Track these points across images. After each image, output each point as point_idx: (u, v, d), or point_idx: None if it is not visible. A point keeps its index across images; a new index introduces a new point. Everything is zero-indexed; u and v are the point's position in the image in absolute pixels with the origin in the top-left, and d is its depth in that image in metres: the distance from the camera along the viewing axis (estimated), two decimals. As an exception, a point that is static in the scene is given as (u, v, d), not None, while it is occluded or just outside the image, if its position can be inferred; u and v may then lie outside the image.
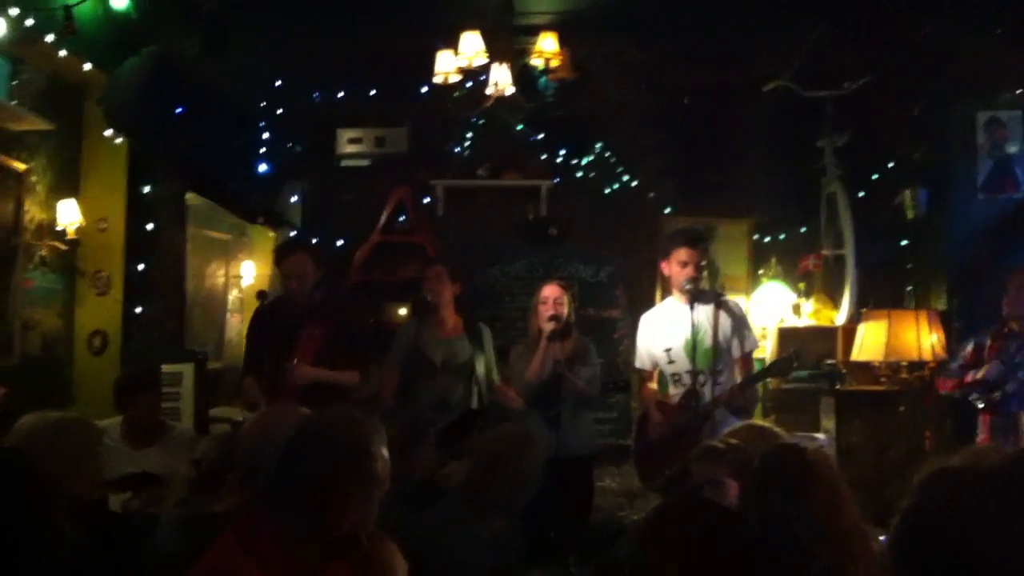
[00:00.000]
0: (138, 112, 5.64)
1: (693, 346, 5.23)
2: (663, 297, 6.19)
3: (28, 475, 2.37)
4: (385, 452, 2.46)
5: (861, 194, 6.83)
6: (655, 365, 5.58)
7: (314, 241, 7.11)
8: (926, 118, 6.81)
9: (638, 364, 5.67)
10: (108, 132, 6.04)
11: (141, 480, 4.63)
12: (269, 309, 5.67)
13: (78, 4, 5.36)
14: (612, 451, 6.58)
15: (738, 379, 5.41)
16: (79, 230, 6.07)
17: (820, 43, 6.67)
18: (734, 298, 5.97)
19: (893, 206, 6.83)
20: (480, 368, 5.73)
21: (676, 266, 5.36)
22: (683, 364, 5.33)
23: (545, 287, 5.66)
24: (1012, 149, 6.53)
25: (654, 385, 5.64)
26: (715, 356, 5.33)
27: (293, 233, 7.37)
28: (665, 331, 5.45)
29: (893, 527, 1.24)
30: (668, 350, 5.43)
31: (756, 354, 5.70)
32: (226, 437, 3.64)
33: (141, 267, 6.50)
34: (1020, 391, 5.38)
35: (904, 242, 6.95)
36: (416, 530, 3.56)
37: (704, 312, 5.37)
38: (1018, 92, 6.55)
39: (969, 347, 5.66)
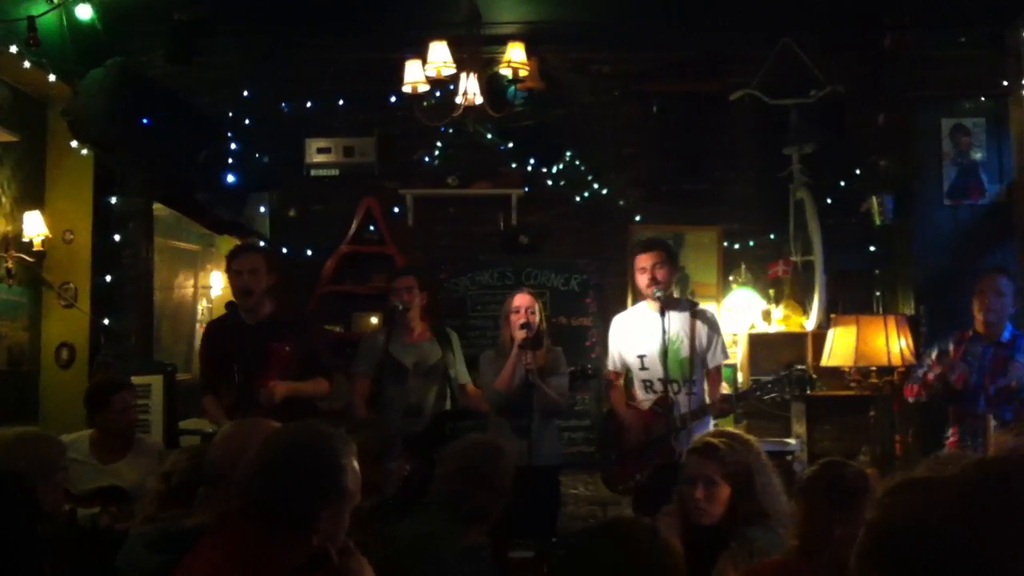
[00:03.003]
0: (103, 124, 5.59)
1: (667, 355, 5.26)
2: (633, 305, 6.22)
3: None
4: (356, 465, 2.45)
5: (829, 201, 6.87)
6: (625, 368, 5.62)
7: (284, 251, 7.10)
8: (892, 126, 6.87)
9: (609, 366, 5.70)
10: (73, 144, 6.00)
11: (110, 494, 4.59)
12: (219, 325, 5.60)
13: (42, 16, 5.33)
14: (584, 459, 6.57)
15: (708, 389, 5.47)
16: (45, 242, 6.02)
17: (787, 52, 6.73)
18: (706, 305, 6.01)
19: (860, 213, 6.87)
20: (452, 371, 5.74)
21: (638, 273, 5.48)
22: (656, 371, 5.37)
23: (516, 296, 5.66)
24: (977, 156, 6.59)
25: (621, 383, 5.68)
26: (691, 366, 5.39)
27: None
28: (638, 337, 5.49)
29: (859, 541, 1.24)
30: (642, 356, 5.47)
31: (726, 360, 5.76)
32: (196, 450, 3.61)
33: (108, 279, 6.46)
34: (987, 393, 5.44)
35: (872, 248, 6.99)
36: (391, 542, 3.54)
37: (679, 321, 5.42)
38: (982, 99, 6.61)
39: (933, 353, 5.72)
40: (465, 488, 3.71)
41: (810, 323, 6.81)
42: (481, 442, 3.96)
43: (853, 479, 2.96)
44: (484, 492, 3.72)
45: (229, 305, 5.68)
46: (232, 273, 5.36)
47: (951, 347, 5.66)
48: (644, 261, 5.42)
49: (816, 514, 2.89)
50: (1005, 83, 6.52)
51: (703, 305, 5.86)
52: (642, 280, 5.43)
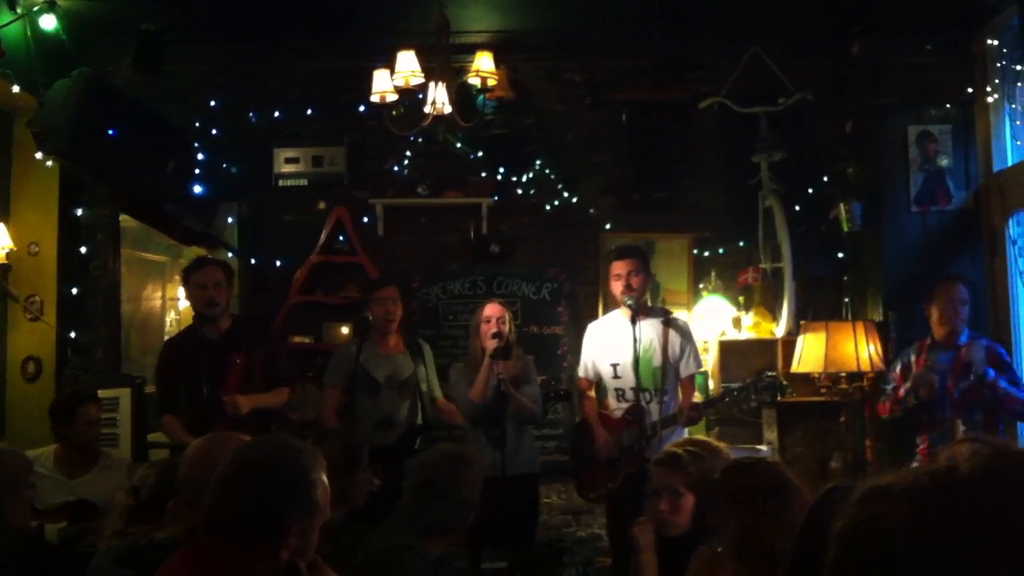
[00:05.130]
0: (69, 134, 5.54)
1: (639, 363, 5.27)
2: (606, 313, 6.24)
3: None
4: (325, 479, 2.43)
5: (797, 208, 6.91)
6: (597, 376, 5.63)
7: (252, 262, 7.05)
8: (859, 133, 6.92)
9: (581, 373, 5.71)
10: (39, 155, 5.94)
11: (77, 509, 4.54)
12: (178, 343, 5.57)
13: (5, 26, 5.27)
14: (557, 468, 6.57)
15: (681, 398, 5.49)
16: (10, 254, 5.96)
17: (755, 60, 6.77)
18: (677, 313, 6.02)
19: (829, 220, 6.91)
20: (423, 384, 5.72)
21: (612, 280, 5.49)
22: (629, 381, 5.39)
23: (487, 306, 5.66)
24: (943, 162, 6.64)
25: (593, 394, 5.69)
26: (663, 376, 5.40)
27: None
28: (612, 346, 5.50)
29: (828, 553, 1.23)
30: (615, 365, 5.48)
31: (699, 369, 5.77)
32: (165, 464, 3.57)
33: (75, 291, 6.39)
34: (951, 398, 5.48)
35: (840, 255, 7.03)
36: (360, 555, 3.52)
37: (652, 329, 5.44)
38: (948, 107, 6.67)
39: (897, 368, 5.78)
40: (430, 499, 3.69)
41: (780, 330, 6.84)
42: (447, 453, 3.94)
43: (765, 478, 2.93)
44: (448, 503, 3.69)
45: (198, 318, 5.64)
46: (196, 286, 5.31)
47: (912, 358, 5.71)
48: (619, 268, 5.45)
49: (729, 516, 2.89)
50: (970, 90, 6.57)
51: (675, 313, 5.89)
52: (616, 287, 5.45)
